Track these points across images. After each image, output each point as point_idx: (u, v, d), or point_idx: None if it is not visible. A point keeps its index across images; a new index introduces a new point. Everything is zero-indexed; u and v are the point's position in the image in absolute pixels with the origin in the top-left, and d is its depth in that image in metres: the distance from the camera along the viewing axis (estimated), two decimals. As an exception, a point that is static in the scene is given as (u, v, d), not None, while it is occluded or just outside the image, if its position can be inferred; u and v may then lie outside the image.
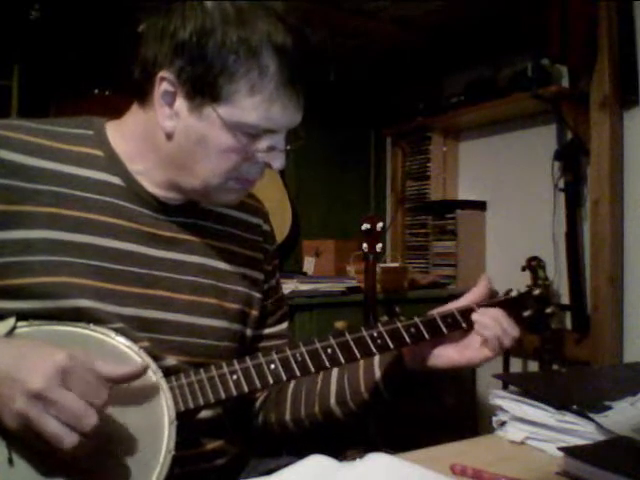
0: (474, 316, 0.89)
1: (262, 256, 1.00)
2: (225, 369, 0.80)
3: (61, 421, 0.64)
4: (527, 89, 2.27)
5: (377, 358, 0.95)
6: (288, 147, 0.85)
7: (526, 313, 0.97)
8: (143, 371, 0.72)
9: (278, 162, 0.84)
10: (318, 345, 0.83)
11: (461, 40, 2.53)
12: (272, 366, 0.81)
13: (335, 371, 0.98)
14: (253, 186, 0.90)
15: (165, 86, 0.79)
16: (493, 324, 0.87)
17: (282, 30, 0.77)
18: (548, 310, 0.98)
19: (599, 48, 2.07)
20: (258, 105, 0.78)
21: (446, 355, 0.90)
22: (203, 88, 0.78)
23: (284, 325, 1.05)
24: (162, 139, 0.83)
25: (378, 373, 0.95)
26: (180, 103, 0.80)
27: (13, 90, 2.20)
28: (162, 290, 0.85)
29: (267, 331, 1.01)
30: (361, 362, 0.96)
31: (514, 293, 0.98)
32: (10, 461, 0.68)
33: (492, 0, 2.22)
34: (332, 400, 0.97)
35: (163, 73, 0.79)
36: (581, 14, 2.08)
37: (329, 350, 0.83)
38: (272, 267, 1.04)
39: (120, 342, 0.76)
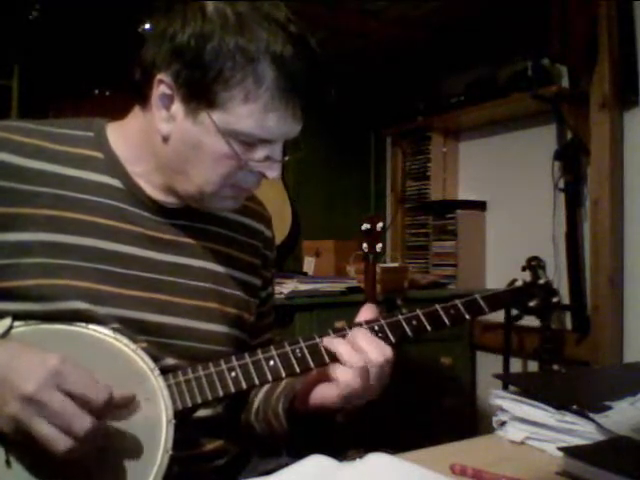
0: (325, 340, 0.82)
1: (261, 262, 0.99)
2: (223, 366, 0.79)
3: (55, 425, 0.64)
4: (527, 89, 2.26)
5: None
6: (286, 158, 0.84)
7: (532, 303, 0.96)
8: (129, 401, 0.71)
9: (273, 172, 0.83)
10: (318, 340, 0.83)
11: (461, 40, 2.53)
12: (271, 362, 0.80)
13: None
14: (250, 194, 0.89)
15: (163, 89, 0.79)
16: (347, 347, 0.81)
17: (282, 39, 0.76)
18: (554, 299, 0.97)
19: (599, 48, 2.07)
20: (253, 113, 0.77)
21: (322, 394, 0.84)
22: (199, 93, 0.77)
23: (269, 334, 1.04)
24: (159, 142, 0.83)
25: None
26: (177, 107, 0.80)
27: (13, 90, 2.20)
28: (162, 293, 0.85)
29: (257, 340, 1.01)
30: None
31: (519, 283, 0.97)
32: (7, 463, 0.68)
33: (492, 0, 2.22)
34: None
35: (161, 75, 0.79)
36: (581, 14, 2.08)
37: None
38: (270, 274, 1.03)
39: (118, 341, 0.76)
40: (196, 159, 0.81)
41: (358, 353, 0.80)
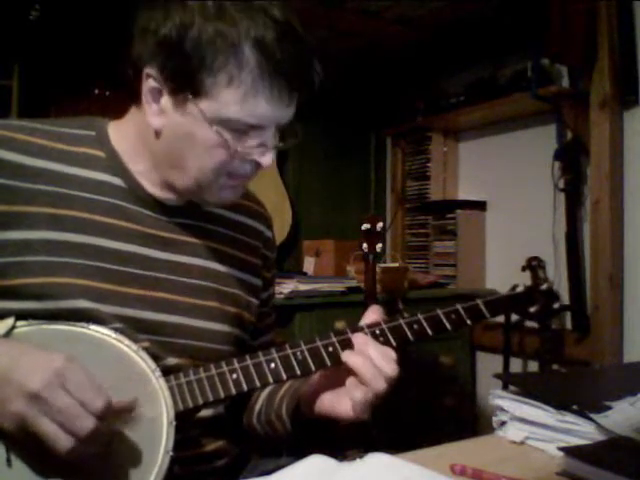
0: (344, 356, 0.81)
1: (261, 262, 0.99)
2: (224, 368, 0.79)
3: (58, 423, 0.64)
4: (527, 89, 2.26)
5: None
6: (280, 144, 0.83)
7: (533, 309, 0.96)
8: (131, 408, 0.70)
9: (265, 159, 0.81)
10: (319, 343, 0.82)
11: (461, 40, 2.53)
12: (272, 365, 0.80)
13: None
14: (247, 182, 0.88)
15: (151, 82, 0.79)
16: (365, 363, 0.79)
17: (264, 23, 0.75)
18: (555, 305, 0.97)
19: (599, 47, 2.07)
20: (238, 98, 0.76)
21: (330, 404, 0.84)
22: (184, 82, 0.77)
23: (270, 336, 1.04)
24: (153, 138, 0.83)
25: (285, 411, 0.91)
26: (166, 99, 0.79)
27: (13, 90, 2.20)
28: (163, 292, 0.85)
29: (258, 340, 1.01)
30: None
31: (520, 288, 0.96)
32: (8, 462, 0.68)
33: (492, 0, 2.22)
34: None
35: (148, 69, 0.78)
36: (581, 14, 2.08)
37: (330, 348, 0.82)
38: (271, 275, 1.03)
39: (119, 342, 0.76)
40: (189, 151, 0.80)
41: (374, 367, 0.79)
